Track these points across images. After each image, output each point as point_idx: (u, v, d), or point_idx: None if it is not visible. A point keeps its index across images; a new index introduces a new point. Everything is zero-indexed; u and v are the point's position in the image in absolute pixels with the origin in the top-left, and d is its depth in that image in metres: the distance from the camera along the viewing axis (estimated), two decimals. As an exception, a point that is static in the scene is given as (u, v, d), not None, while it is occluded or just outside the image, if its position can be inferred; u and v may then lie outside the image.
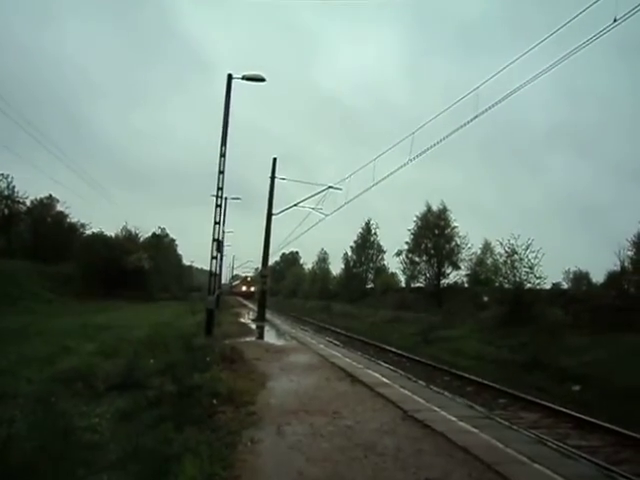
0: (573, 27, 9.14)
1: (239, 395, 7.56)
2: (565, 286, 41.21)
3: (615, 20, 7.94)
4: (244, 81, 14.97)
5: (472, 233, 39.25)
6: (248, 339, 16.03)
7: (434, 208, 39.66)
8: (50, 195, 47.87)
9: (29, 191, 45.30)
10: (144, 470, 4.52)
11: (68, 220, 49.19)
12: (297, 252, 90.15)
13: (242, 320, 24.50)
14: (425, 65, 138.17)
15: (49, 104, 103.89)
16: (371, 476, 4.64)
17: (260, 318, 23.66)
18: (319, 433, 5.89)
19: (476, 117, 11.69)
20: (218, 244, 15.66)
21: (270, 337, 17.33)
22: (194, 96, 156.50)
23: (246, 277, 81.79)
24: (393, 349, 18.59)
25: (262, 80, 15.39)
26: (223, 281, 67.30)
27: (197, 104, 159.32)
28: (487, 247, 39.98)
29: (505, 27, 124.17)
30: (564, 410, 9.77)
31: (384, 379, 9.56)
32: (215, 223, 15.05)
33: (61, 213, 48.64)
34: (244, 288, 76.68)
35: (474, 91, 11.58)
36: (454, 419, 6.73)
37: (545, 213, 79.27)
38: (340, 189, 22.67)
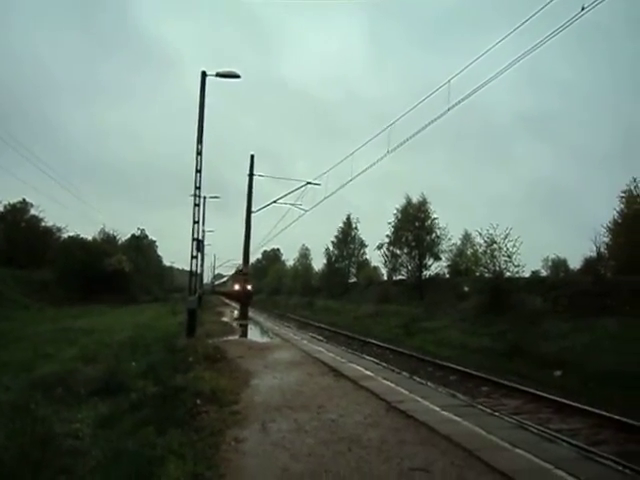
0: (541, 15, 9.23)
1: (223, 394, 7.53)
2: (544, 273, 42.06)
3: (583, 8, 8.02)
4: (218, 78, 14.85)
5: (447, 224, 39.64)
6: (231, 338, 15.96)
7: (414, 200, 39.93)
8: (23, 199, 46.98)
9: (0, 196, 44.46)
10: (126, 474, 4.47)
11: (43, 224, 48.31)
12: (278, 249, 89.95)
13: (225, 319, 24.38)
14: (390, 55, 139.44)
15: (12, 104, 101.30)
16: (355, 468, 4.65)
17: (243, 317, 23.56)
18: (303, 429, 5.89)
19: (449, 109, 11.75)
20: (198, 243, 15.53)
21: (253, 335, 17.27)
22: (162, 94, 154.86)
23: (239, 270, 48.08)
24: (376, 342, 18.69)
25: (237, 77, 15.27)
26: (205, 280, 66.89)
27: (165, 102, 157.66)
28: (467, 238, 40.50)
29: (470, 15, 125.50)
30: (545, 395, 9.95)
31: (367, 372, 9.60)
32: (194, 222, 14.93)
33: (35, 217, 47.74)
34: (237, 287, 43.00)
35: (447, 83, 11.60)
36: (437, 409, 6.79)
37: (513, 201, 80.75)
38: (319, 184, 22.24)
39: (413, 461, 4.81)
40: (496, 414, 7.04)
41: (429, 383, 9.21)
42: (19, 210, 47.08)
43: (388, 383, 8.54)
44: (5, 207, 45.79)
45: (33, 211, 47.54)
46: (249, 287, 33.48)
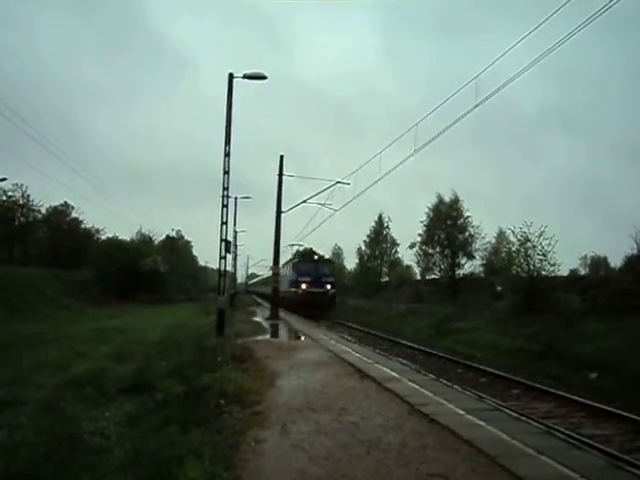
0: (569, 6, 8.92)
1: (247, 394, 7.58)
2: (582, 272, 40.80)
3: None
4: (244, 80, 14.98)
5: (480, 222, 38.88)
6: (260, 338, 16.07)
7: (446, 199, 39.38)
8: (65, 202, 48.64)
9: (40, 198, 46.06)
10: (145, 473, 4.55)
11: (83, 226, 49.89)
12: (311, 248, 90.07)
13: (256, 319, 24.58)
14: (404, 49, 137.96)
15: (45, 109, 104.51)
16: (373, 473, 4.60)
17: (274, 316, 23.72)
18: (324, 431, 5.86)
19: (478, 105, 11.49)
20: (227, 244, 15.70)
21: (283, 335, 17.36)
22: (176, 94, 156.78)
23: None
24: (406, 342, 18.50)
25: (264, 78, 15.37)
26: (238, 280, 67.68)
27: (180, 101, 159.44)
28: (502, 236, 39.65)
29: (484, 9, 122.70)
30: (578, 399, 9.62)
31: (393, 373, 9.51)
32: (222, 223, 15.08)
33: (76, 219, 49.38)
34: (304, 286, 29.92)
35: (474, 79, 11.35)
36: (462, 412, 6.66)
37: (546, 198, 78.56)
38: (348, 184, 22.23)
39: (432, 467, 4.72)
40: (523, 418, 6.84)
41: (455, 386, 9.01)
42: (61, 213, 48.75)
43: (413, 385, 8.43)
44: (47, 210, 47.48)
45: (74, 213, 49.23)
46: (329, 287, 28.74)
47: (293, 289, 30.02)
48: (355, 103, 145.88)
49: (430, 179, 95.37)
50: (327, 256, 39.68)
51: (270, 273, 33.05)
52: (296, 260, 32.46)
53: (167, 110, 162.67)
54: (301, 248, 37.02)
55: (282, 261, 33.71)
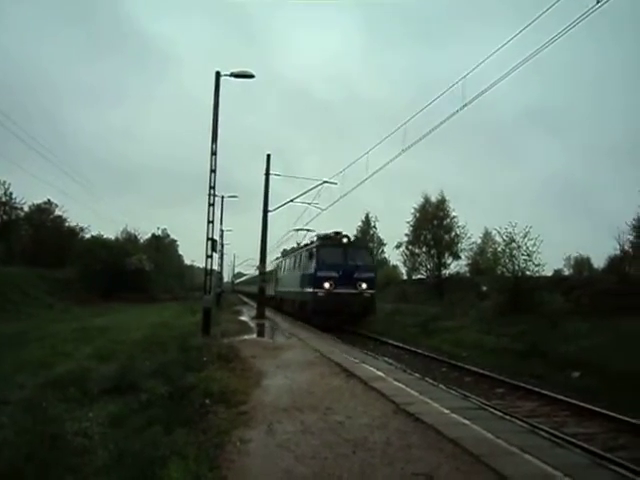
0: (552, 9, 9.00)
1: (232, 394, 7.56)
2: (566, 272, 41.29)
3: (598, 1, 7.80)
4: (231, 78, 14.91)
5: (466, 222, 39.11)
6: (246, 337, 16.01)
7: (432, 199, 39.56)
8: (48, 200, 48.01)
9: (25, 197, 45.45)
10: (129, 474, 4.49)
11: (67, 224, 49.28)
12: (297, 245, 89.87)
13: (242, 318, 24.48)
14: (387, 51, 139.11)
15: (33, 110, 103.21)
16: (358, 472, 4.60)
17: (259, 316, 23.64)
18: (309, 430, 5.86)
19: (465, 106, 11.56)
20: (213, 243, 15.61)
21: (269, 335, 17.30)
22: (160, 92, 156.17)
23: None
24: (392, 342, 18.54)
25: (251, 77, 15.32)
26: (225, 279, 67.37)
27: (169, 101, 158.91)
28: (487, 236, 39.96)
29: (468, 8, 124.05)
30: (562, 398, 9.72)
31: (379, 373, 9.53)
32: (209, 222, 15.00)
33: (59, 217, 48.75)
34: (327, 285, 20.67)
35: (461, 79, 11.39)
36: (447, 411, 6.70)
37: (528, 198, 79.50)
38: (335, 183, 22.25)
39: (417, 465, 4.74)
40: (507, 417, 6.89)
41: (441, 385, 9.05)
42: (44, 211, 48.11)
43: (399, 384, 8.46)
44: (30, 208, 46.83)
45: (57, 211, 48.62)
46: (365, 286, 19.86)
47: (310, 289, 20.64)
48: (339, 103, 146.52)
49: (416, 179, 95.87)
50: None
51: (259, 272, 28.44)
52: (317, 245, 21.76)
53: (153, 109, 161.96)
54: (310, 235, 27.54)
55: (269, 260, 32.12)
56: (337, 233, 22.18)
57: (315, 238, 23.39)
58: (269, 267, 35.57)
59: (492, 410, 7.34)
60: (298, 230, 31.86)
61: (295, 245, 30.92)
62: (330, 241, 22.01)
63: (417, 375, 9.96)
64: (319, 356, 11.88)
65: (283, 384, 8.56)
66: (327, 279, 20.30)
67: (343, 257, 20.91)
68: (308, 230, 29.66)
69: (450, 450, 5.12)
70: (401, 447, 5.24)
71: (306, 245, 25.23)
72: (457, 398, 7.98)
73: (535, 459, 4.89)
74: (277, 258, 36.99)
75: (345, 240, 21.52)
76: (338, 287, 20.30)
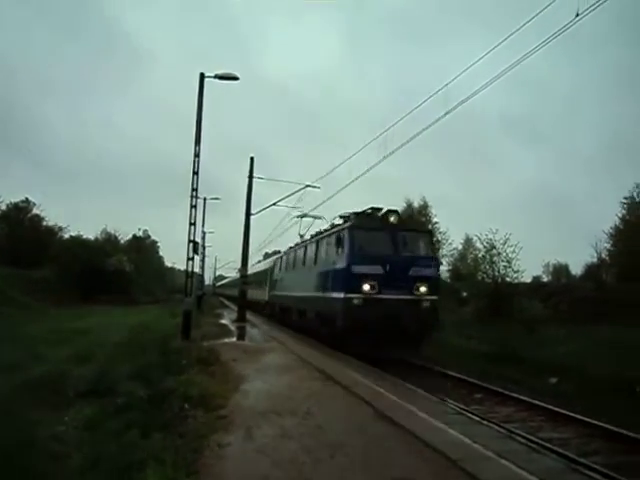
0: (533, 22, 9.18)
1: (211, 398, 7.49)
2: (545, 279, 41.98)
3: (577, 15, 7.95)
4: (217, 80, 14.87)
5: (447, 228, 39.55)
6: (227, 340, 15.93)
7: (415, 204, 39.86)
8: (26, 198, 47.21)
9: (0, 194, 44.65)
10: (105, 479, 4.44)
11: (45, 224, 48.47)
12: (279, 251, 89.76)
13: (223, 321, 24.35)
14: (366, 51, 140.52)
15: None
16: (336, 477, 4.61)
17: (240, 319, 23.54)
18: (288, 435, 5.84)
19: (447, 113, 11.63)
20: (194, 245, 15.51)
21: (249, 338, 17.22)
22: (132, 90, 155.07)
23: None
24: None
25: (235, 79, 15.28)
26: (206, 282, 66.81)
27: (147, 100, 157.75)
28: (468, 242, 40.40)
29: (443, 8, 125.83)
30: (539, 403, 9.85)
31: (360, 377, 9.56)
32: (190, 224, 14.90)
33: (37, 216, 47.93)
34: (369, 288, 13.40)
35: (444, 87, 11.46)
36: (425, 416, 6.74)
37: (511, 205, 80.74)
38: (318, 187, 22.31)
39: (396, 470, 4.76)
40: (484, 422, 6.97)
41: (419, 390, 9.11)
42: (22, 209, 47.28)
43: (379, 389, 8.48)
44: (8, 206, 45.99)
45: (35, 210, 47.83)
46: (424, 289, 13.55)
47: (339, 294, 13.91)
48: (322, 106, 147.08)
49: (397, 184, 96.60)
50: None
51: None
52: (348, 225, 14.55)
53: (131, 107, 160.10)
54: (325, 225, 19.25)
55: (252, 262, 31.41)
56: (376, 209, 15.06)
57: (339, 220, 16.23)
58: (261, 266, 31.93)
59: (470, 415, 7.42)
60: (303, 217, 23.67)
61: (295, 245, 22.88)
62: (369, 220, 14.76)
63: (398, 380, 10.01)
64: (299, 360, 11.87)
65: (262, 388, 8.52)
66: (367, 278, 13.32)
67: (393, 244, 13.91)
68: (316, 217, 22.80)
69: (428, 455, 5.14)
70: (379, 452, 5.24)
71: (326, 231, 17.17)
72: (436, 403, 8.05)
73: (511, 464, 4.95)
74: (273, 253, 31.86)
75: (393, 219, 14.32)
76: (384, 291, 13.34)
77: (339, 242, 14.39)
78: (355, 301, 13.28)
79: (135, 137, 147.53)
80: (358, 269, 13.44)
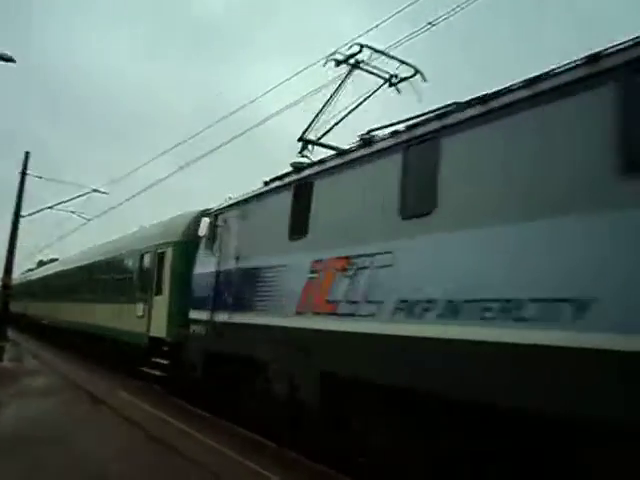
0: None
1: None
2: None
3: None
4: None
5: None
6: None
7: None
8: None
9: None
10: None
11: None
12: (57, 259, 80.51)
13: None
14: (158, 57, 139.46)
15: None
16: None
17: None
18: (43, 465, 5.34)
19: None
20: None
21: (8, 358, 15.05)
22: None
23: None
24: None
25: (11, 60, 13.58)
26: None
27: None
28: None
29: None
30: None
31: (132, 398, 9.20)
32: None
33: None
34: None
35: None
36: (201, 437, 6.81)
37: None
38: (107, 193, 20.99)
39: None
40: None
41: (198, 410, 9.10)
42: None
43: (153, 410, 8.28)
44: None
45: None
46: None
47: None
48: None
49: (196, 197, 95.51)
50: None
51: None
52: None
53: None
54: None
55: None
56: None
57: None
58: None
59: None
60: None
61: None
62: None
63: (176, 399, 9.85)
64: (66, 382, 10.87)
65: (19, 414, 7.62)
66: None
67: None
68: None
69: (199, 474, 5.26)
70: (146, 476, 5.19)
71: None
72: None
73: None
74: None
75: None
76: None
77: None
78: None
79: None
80: None
